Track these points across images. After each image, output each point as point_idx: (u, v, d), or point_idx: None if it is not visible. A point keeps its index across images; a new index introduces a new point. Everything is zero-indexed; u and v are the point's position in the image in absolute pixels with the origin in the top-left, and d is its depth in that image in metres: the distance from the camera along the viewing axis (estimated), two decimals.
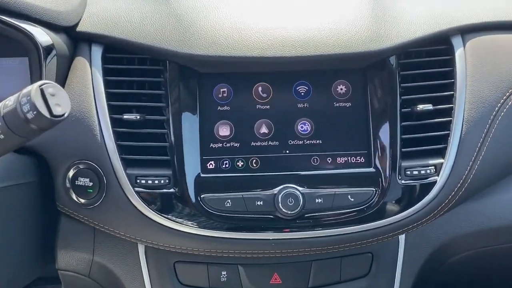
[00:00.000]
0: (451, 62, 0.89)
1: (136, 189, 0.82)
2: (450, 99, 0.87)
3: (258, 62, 0.83)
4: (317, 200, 0.82)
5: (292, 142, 0.85)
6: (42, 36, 0.79)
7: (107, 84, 0.85)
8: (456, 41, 0.90)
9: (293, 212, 0.81)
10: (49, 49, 0.80)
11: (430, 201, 0.85)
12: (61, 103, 0.57)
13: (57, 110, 0.56)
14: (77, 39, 0.87)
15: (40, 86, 0.55)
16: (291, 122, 0.86)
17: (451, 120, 0.86)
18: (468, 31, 0.91)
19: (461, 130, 0.85)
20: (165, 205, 0.83)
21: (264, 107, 0.85)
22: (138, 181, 0.82)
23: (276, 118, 0.85)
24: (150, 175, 0.82)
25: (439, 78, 0.89)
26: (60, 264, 0.92)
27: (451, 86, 0.88)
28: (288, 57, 0.82)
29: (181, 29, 0.84)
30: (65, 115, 0.57)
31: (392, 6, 0.91)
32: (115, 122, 0.83)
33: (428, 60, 0.89)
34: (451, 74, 0.88)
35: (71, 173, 0.83)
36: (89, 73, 0.84)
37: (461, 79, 0.87)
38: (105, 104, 0.83)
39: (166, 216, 0.83)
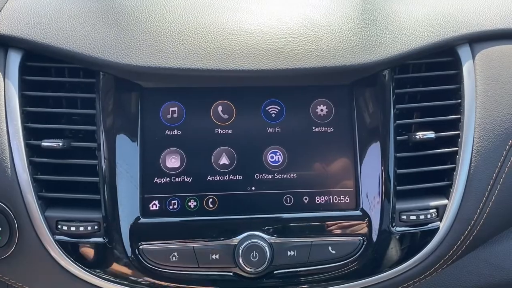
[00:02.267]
0: (457, 78, 0.78)
1: (57, 237, 0.70)
2: (456, 124, 0.77)
3: (216, 76, 0.70)
4: (289, 253, 0.71)
5: (259, 177, 0.73)
6: None
7: (25, 101, 0.72)
8: (464, 52, 0.78)
9: (258, 269, 0.70)
10: None
11: (430, 253, 0.74)
12: None
13: None
14: None
15: None
16: (259, 151, 0.74)
17: (457, 150, 0.76)
18: (478, 39, 0.79)
19: (470, 163, 0.74)
20: (93, 259, 0.71)
21: (225, 131, 0.73)
22: (59, 226, 0.70)
23: (239, 146, 0.74)
24: (75, 219, 0.70)
25: (443, 98, 0.78)
26: None
27: (458, 108, 0.77)
28: (254, 71, 0.70)
29: (118, 32, 0.72)
30: None
31: (384, 7, 0.79)
32: (32, 150, 0.72)
33: (429, 75, 0.79)
34: (458, 93, 0.77)
35: None
36: (2, 86, 0.72)
37: (470, 100, 0.76)
38: (19, 127, 0.70)
39: (94, 272, 0.71)
